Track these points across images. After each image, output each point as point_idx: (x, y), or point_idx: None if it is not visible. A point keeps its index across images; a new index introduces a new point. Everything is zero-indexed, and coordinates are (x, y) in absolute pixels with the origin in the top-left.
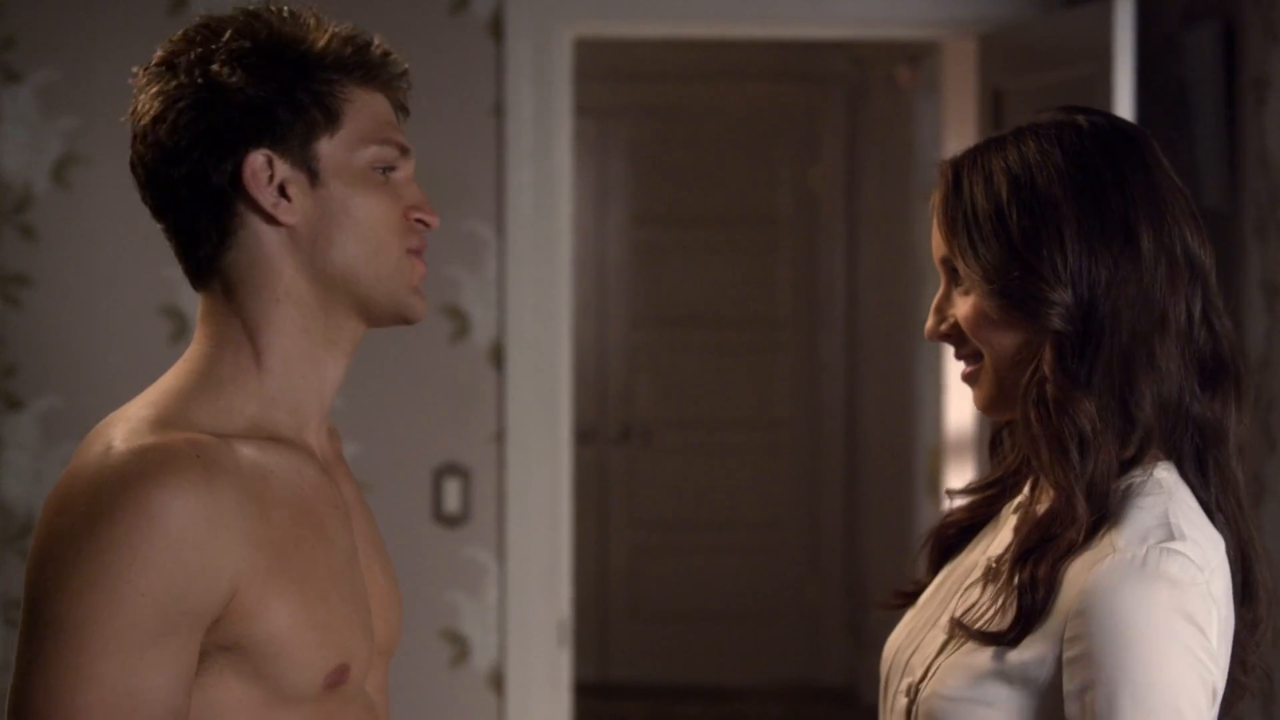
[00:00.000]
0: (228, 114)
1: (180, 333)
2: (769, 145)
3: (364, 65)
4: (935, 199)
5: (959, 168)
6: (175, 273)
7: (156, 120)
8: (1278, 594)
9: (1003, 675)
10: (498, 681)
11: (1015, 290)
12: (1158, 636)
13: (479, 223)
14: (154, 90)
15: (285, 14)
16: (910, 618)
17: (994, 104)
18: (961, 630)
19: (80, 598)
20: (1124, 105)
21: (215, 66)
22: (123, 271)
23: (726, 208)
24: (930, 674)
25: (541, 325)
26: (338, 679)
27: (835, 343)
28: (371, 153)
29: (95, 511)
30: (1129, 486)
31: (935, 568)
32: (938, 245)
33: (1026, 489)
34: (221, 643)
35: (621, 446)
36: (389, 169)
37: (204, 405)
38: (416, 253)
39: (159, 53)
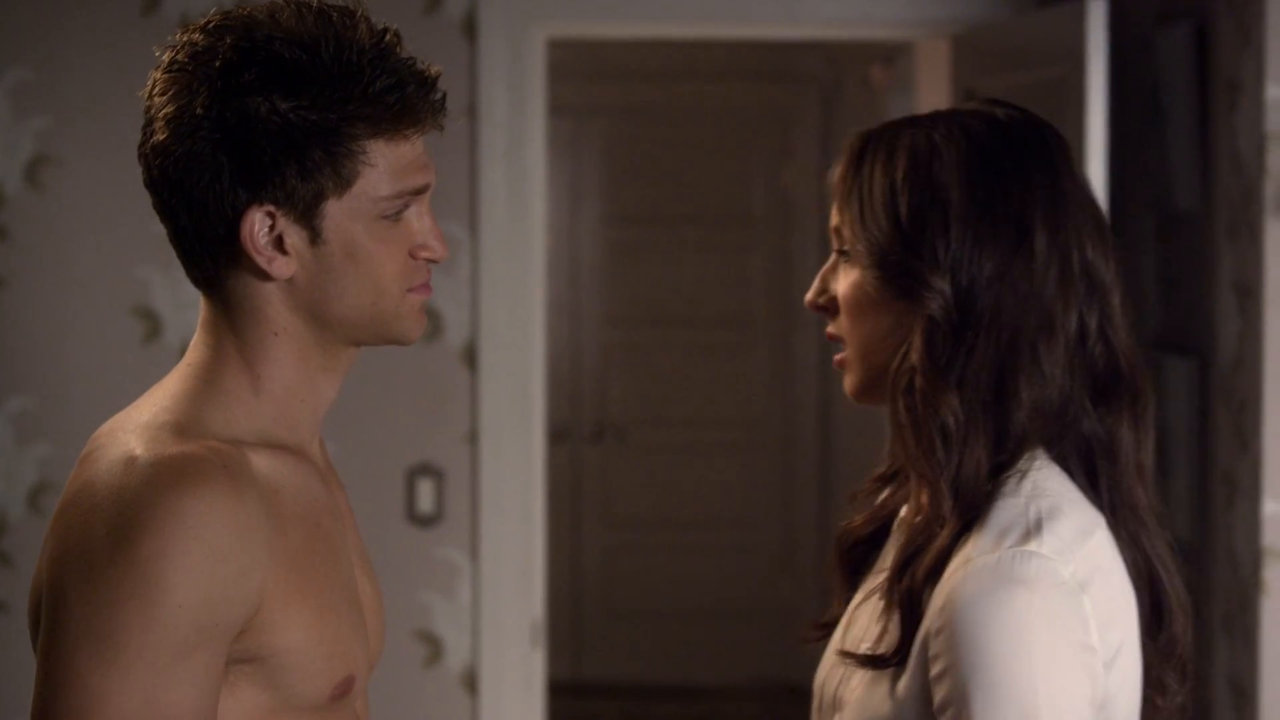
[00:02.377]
0: (236, 164)
1: (153, 333)
2: (742, 145)
3: (400, 117)
4: (837, 169)
5: (867, 141)
6: (148, 273)
7: (165, 145)
8: (1190, 609)
9: (904, 704)
10: (471, 682)
11: (896, 270)
12: (1016, 647)
13: (452, 223)
14: (167, 110)
15: (313, 18)
16: (833, 645)
17: None
18: (849, 659)
19: (115, 609)
20: (1096, 106)
21: (232, 109)
22: (96, 272)
23: (700, 207)
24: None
25: (515, 325)
26: (344, 689)
27: (809, 342)
28: (381, 206)
29: (129, 522)
30: (997, 488)
31: (851, 587)
32: (833, 214)
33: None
34: (240, 655)
35: (595, 446)
36: (401, 211)
37: (215, 413)
38: (421, 288)
39: (183, 45)
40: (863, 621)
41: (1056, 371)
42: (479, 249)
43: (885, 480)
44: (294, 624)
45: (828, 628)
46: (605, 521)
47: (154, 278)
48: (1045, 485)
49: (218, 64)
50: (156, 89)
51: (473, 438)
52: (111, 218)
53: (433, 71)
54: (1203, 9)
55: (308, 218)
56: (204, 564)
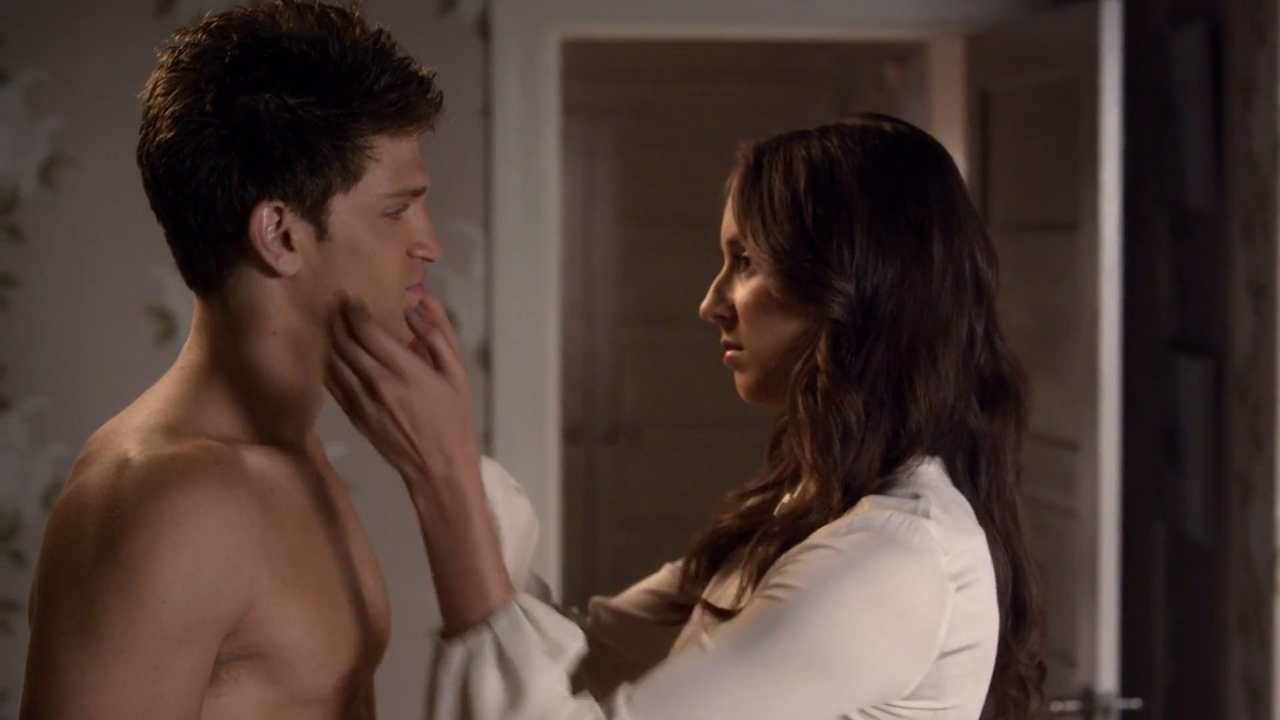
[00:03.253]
0: (245, 160)
1: (168, 333)
2: None
3: (403, 115)
4: (733, 180)
5: (760, 153)
6: (162, 273)
7: (173, 144)
8: (1046, 622)
9: None
10: None
11: (802, 273)
12: (856, 593)
13: (466, 223)
14: (174, 108)
15: (314, 19)
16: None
17: (981, 105)
18: (706, 611)
19: (100, 604)
20: (1111, 105)
21: (240, 106)
22: (110, 272)
23: (713, 207)
24: None
25: (529, 325)
26: (349, 681)
27: None
28: (385, 203)
29: (117, 520)
30: (885, 483)
31: (706, 579)
32: (728, 225)
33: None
34: (239, 652)
35: (609, 446)
36: (401, 209)
37: (209, 414)
38: (416, 287)
39: (187, 45)
40: (723, 599)
41: (951, 374)
42: (493, 249)
43: (764, 489)
44: (292, 620)
45: (683, 610)
46: (619, 521)
47: (168, 278)
48: (933, 484)
49: (225, 61)
50: (159, 89)
51: (487, 438)
52: (126, 218)
53: (426, 72)
54: (1217, 9)
55: (314, 214)
56: (191, 561)
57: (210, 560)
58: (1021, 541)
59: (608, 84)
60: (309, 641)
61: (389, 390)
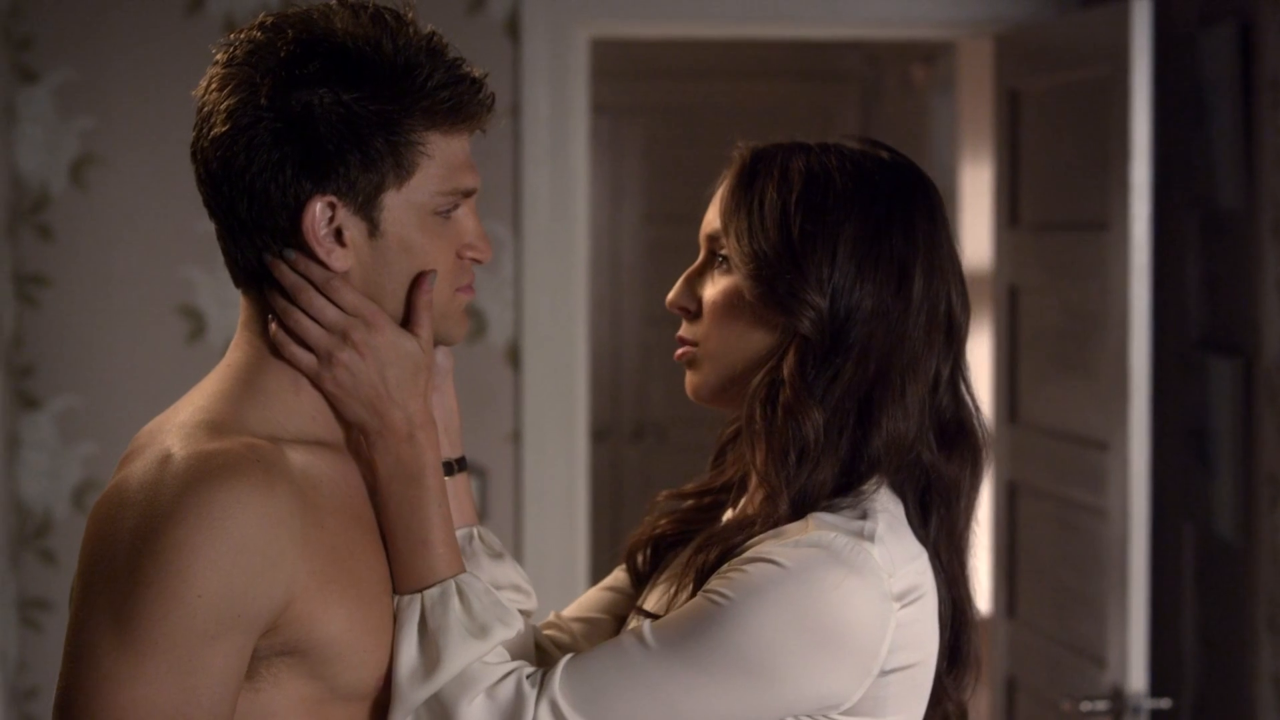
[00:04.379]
0: (299, 154)
1: (197, 332)
2: None
3: (455, 112)
4: (725, 178)
5: (758, 158)
6: (192, 272)
7: (227, 137)
8: (980, 669)
9: None
10: None
11: (779, 283)
12: (797, 601)
13: (495, 222)
14: (229, 103)
15: (368, 19)
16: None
17: (1011, 104)
18: (637, 615)
19: (137, 596)
20: (1141, 105)
21: (295, 100)
22: (140, 271)
23: None
24: None
25: (558, 324)
26: (390, 678)
27: None
28: (437, 201)
29: (156, 514)
30: (834, 507)
31: (639, 583)
32: (709, 221)
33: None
34: (280, 648)
35: (635, 445)
36: (452, 209)
37: (253, 412)
38: (466, 288)
39: (242, 42)
40: (655, 603)
41: (915, 408)
42: (522, 248)
43: (702, 494)
44: (333, 616)
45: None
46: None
47: (198, 277)
48: (882, 509)
49: (281, 56)
50: (214, 85)
51: (516, 437)
52: (156, 217)
53: (477, 73)
54: (1247, 8)
55: (367, 209)
56: (227, 556)
57: (248, 555)
58: (967, 587)
59: (635, 83)
60: (349, 637)
61: (359, 336)
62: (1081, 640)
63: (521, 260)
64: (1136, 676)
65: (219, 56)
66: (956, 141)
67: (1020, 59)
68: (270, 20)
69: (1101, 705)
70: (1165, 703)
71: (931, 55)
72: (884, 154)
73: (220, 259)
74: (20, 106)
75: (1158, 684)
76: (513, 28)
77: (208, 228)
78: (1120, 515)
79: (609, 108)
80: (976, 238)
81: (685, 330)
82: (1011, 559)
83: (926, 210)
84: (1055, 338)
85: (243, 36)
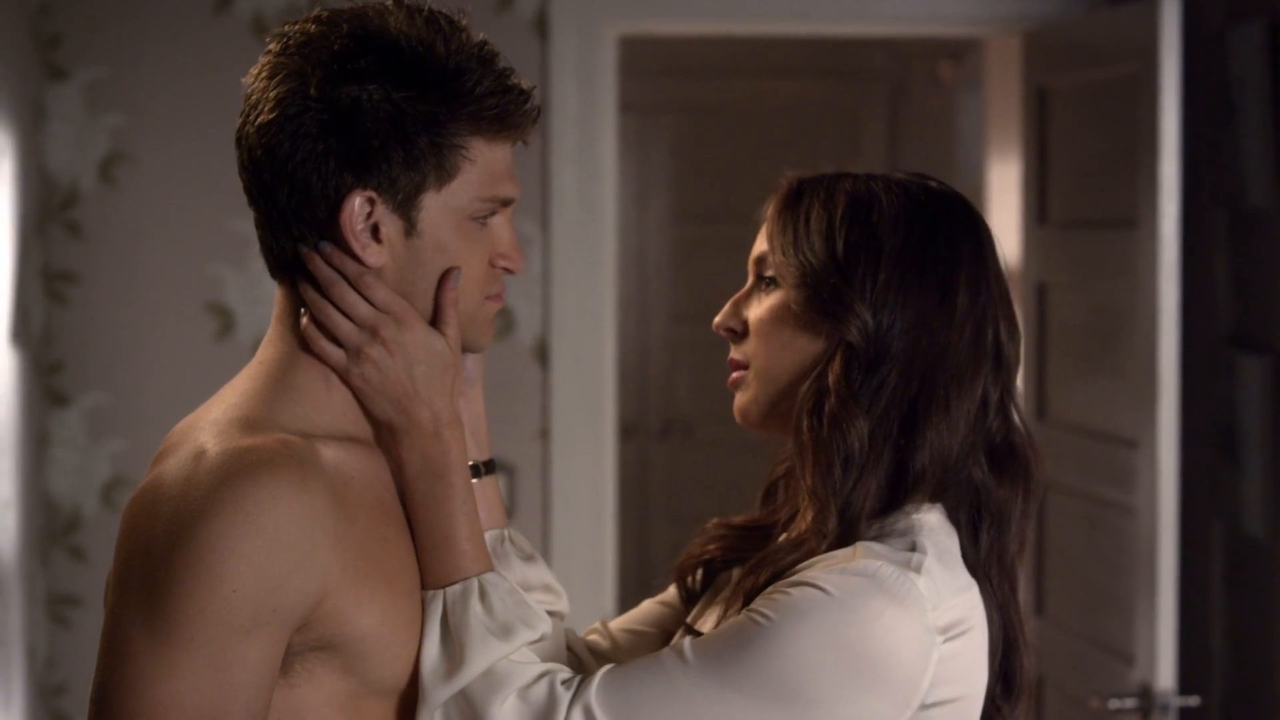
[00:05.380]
0: (343, 147)
1: (226, 329)
2: (809, 142)
3: (500, 120)
4: (771, 202)
5: (803, 183)
6: (221, 270)
7: (273, 125)
8: (1033, 692)
9: None
10: None
11: (824, 289)
12: (833, 625)
13: (523, 220)
14: (278, 91)
15: (422, 21)
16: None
17: (1039, 101)
18: (685, 633)
19: (171, 591)
20: (1170, 103)
21: (344, 94)
22: (169, 268)
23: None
24: None
25: (585, 322)
26: None
27: None
28: (475, 206)
29: (191, 509)
30: (884, 526)
31: (689, 601)
32: (757, 245)
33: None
34: (314, 643)
35: (663, 442)
36: (489, 215)
37: (285, 408)
38: (495, 296)
39: (296, 33)
40: (707, 625)
41: (961, 423)
42: (550, 246)
43: (749, 528)
44: (366, 611)
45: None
46: (672, 518)
47: (227, 274)
48: (931, 534)
49: (334, 49)
50: (264, 72)
51: (544, 434)
52: (185, 214)
53: (525, 84)
54: (1276, 6)
55: (405, 208)
56: (262, 551)
57: (281, 551)
58: (1019, 612)
59: (662, 81)
60: (382, 632)
61: (389, 333)
62: (1110, 638)
63: (550, 258)
64: (1165, 674)
65: (272, 45)
66: (983, 139)
67: (1049, 56)
68: (326, 14)
69: (1130, 703)
70: (1194, 700)
71: (958, 53)
72: (933, 183)
73: (249, 256)
74: (50, 104)
75: (1186, 682)
76: (541, 25)
77: (237, 225)
78: (1149, 513)
79: (636, 106)
80: (1003, 235)
81: (734, 352)
82: (1040, 557)
83: (972, 233)
84: (1084, 335)
85: (297, 28)
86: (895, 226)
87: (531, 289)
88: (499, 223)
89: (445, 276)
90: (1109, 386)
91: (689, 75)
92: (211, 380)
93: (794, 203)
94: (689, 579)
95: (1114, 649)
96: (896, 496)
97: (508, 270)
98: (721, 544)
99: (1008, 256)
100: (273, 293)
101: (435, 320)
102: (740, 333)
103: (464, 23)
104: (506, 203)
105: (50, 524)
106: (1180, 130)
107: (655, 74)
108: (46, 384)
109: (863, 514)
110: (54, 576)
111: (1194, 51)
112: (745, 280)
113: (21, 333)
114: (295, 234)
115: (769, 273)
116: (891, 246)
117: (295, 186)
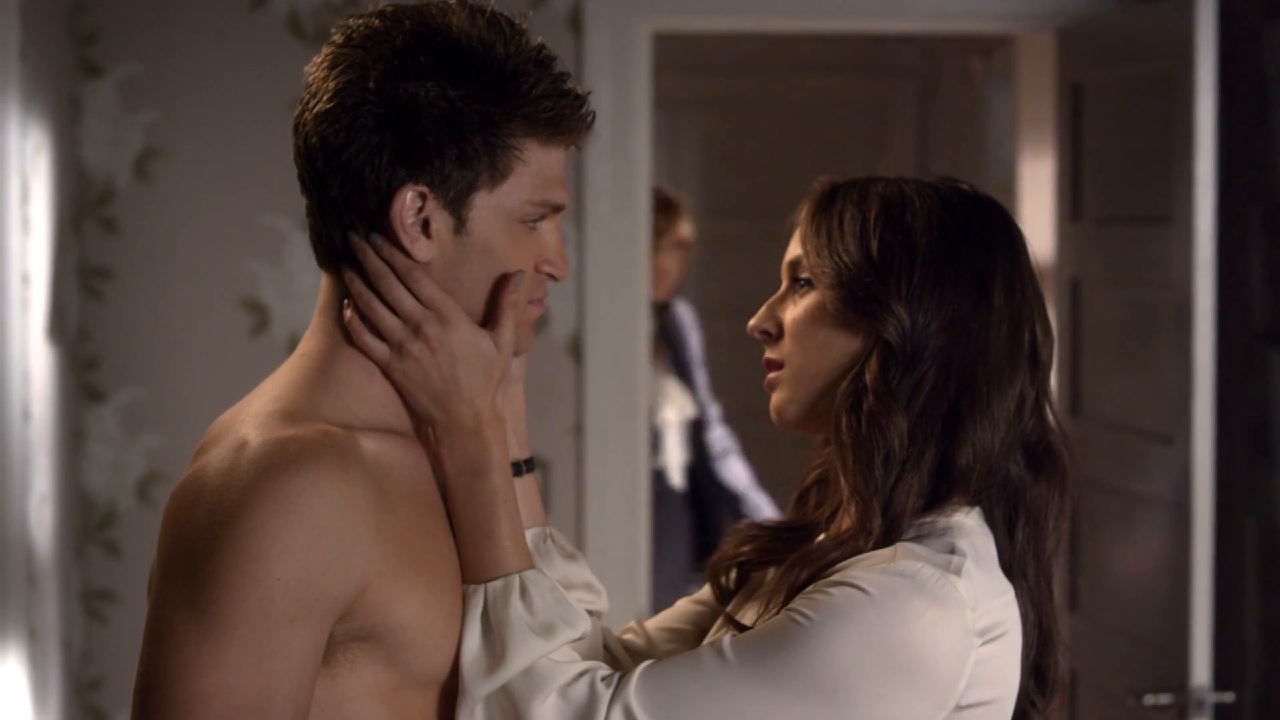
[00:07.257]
0: (398, 141)
1: (261, 325)
2: (839, 138)
3: (554, 124)
4: (803, 207)
5: (836, 187)
6: (256, 266)
7: (330, 115)
8: (1066, 691)
9: None
10: None
11: (861, 290)
12: (873, 624)
13: None
14: (337, 81)
15: (484, 22)
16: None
17: (1073, 97)
18: (727, 625)
19: (214, 581)
20: (1205, 99)
21: (402, 89)
22: (204, 264)
23: (797, 200)
24: None
25: (619, 318)
26: None
27: None
28: (526, 209)
29: (234, 500)
30: (923, 527)
31: (724, 599)
32: (791, 248)
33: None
34: (355, 633)
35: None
36: (539, 219)
37: (326, 400)
38: (537, 301)
39: (360, 26)
40: (747, 619)
41: (1002, 422)
42: (584, 242)
43: (781, 530)
44: (407, 602)
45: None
46: None
47: (262, 270)
48: (969, 536)
49: (396, 45)
50: (326, 62)
51: (577, 429)
52: (220, 210)
53: (581, 91)
54: None
55: (456, 205)
56: (304, 540)
57: (324, 540)
58: (1053, 610)
59: (693, 77)
60: (423, 623)
61: (432, 330)
62: (1144, 633)
63: (584, 254)
64: (1200, 670)
65: (336, 37)
66: (1015, 135)
67: (1083, 52)
68: (391, 9)
69: (1165, 699)
70: (1229, 696)
71: (989, 48)
72: (965, 186)
73: (284, 252)
74: (85, 100)
75: (1221, 677)
76: (575, 21)
77: (272, 221)
78: (1183, 508)
79: (667, 101)
80: (1035, 231)
81: (770, 352)
82: (1074, 553)
83: (1006, 235)
84: (1118, 331)
85: (361, 21)
86: (929, 227)
87: (565, 285)
88: (548, 229)
89: (507, 278)
90: (1143, 382)
91: (719, 71)
92: (246, 376)
93: (827, 205)
94: (723, 578)
95: (1148, 644)
96: (939, 495)
97: (552, 277)
98: (755, 545)
99: (1039, 253)
100: (307, 289)
101: (491, 320)
102: (775, 335)
103: (525, 25)
104: (557, 209)
105: (86, 519)
106: (1215, 126)
107: (686, 69)
108: (82, 380)
109: (906, 512)
110: (89, 572)
111: (1229, 48)
112: (776, 276)
113: (58, 329)
114: (345, 223)
115: (804, 275)
116: (926, 246)
117: (348, 177)
